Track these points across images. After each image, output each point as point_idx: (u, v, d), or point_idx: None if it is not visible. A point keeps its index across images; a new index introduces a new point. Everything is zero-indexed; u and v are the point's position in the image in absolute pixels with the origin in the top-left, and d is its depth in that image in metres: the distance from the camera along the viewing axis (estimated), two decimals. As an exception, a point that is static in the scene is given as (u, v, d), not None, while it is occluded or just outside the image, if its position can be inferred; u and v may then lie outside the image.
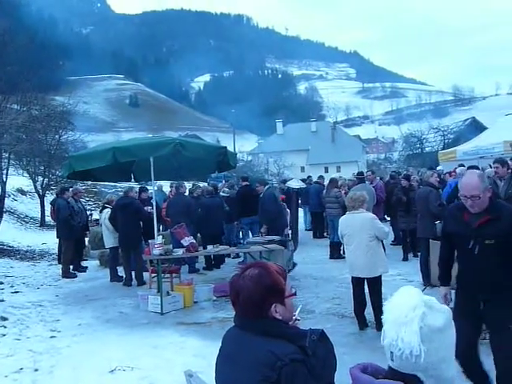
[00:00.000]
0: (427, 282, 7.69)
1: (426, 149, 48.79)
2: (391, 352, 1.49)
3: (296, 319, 2.06)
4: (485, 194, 3.41)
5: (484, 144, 14.91)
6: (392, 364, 1.51)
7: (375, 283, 6.14)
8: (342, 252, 10.40)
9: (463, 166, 11.14)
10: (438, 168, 16.59)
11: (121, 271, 10.07)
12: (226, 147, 8.87)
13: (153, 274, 9.02)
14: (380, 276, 6.38)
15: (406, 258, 10.56)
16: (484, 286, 3.48)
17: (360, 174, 12.56)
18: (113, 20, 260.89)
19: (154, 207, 9.16)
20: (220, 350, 2.04)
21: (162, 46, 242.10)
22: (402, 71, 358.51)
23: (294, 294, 1.98)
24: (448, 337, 1.51)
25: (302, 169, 65.45)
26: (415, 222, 9.88)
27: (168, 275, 8.87)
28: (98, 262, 12.24)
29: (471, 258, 3.48)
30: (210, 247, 8.41)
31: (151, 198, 10.67)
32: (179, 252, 8.02)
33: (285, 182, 15.41)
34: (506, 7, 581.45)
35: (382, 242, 6.47)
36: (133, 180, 10.93)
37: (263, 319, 1.89)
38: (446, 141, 45.73)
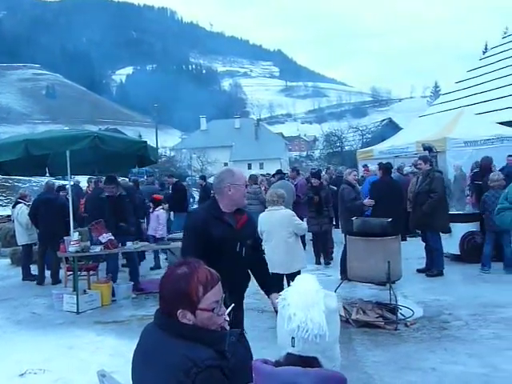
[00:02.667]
0: (344, 276, 7.92)
1: (346, 147, 50.44)
2: (293, 338, 1.52)
3: (225, 320, 2.02)
4: None
5: (399, 143, 15.58)
6: (292, 350, 1.53)
7: (294, 279, 6.25)
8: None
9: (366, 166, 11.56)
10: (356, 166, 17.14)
11: (34, 269, 9.62)
12: (146, 142, 8.68)
13: (68, 272, 8.69)
14: (299, 272, 6.55)
15: (318, 262, 10.07)
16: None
17: (279, 171, 12.72)
18: (28, 5, 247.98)
19: (70, 203, 8.81)
20: (137, 346, 1.97)
21: (82, 35, 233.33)
22: (324, 71, 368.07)
23: (212, 310, 1.86)
24: (338, 318, 1.59)
25: (226, 165, 65.28)
26: (327, 224, 9.98)
27: (85, 273, 8.58)
28: (9, 260, 11.62)
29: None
30: (129, 244, 8.21)
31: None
32: (97, 249, 7.77)
33: (204, 178, 15.28)
34: (421, 12, 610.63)
35: (301, 237, 6.61)
36: (47, 174, 10.44)
37: (179, 321, 1.83)
38: (365, 140, 47.48)
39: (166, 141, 73.31)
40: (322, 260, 10.15)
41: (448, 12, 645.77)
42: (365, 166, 14.86)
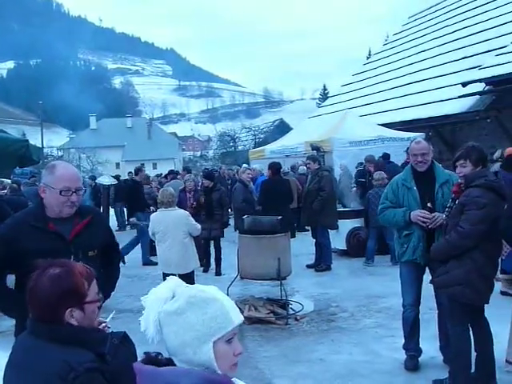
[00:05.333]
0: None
1: (239, 147, 51.12)
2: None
3: (106, 326, 1.96)
4: None
5: (289, 144, 16.03)
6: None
7: (188, 278, 6.21)
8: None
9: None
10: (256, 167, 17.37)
11: None
12: (27, 140, 8.17)
13: None
14: (193, 271, 6.57)
15: (206, 270, 9.24)
16: None
17: (172, 171, 12.61)
18: None
19: None
20: (9, 359, 1.85)
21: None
22: (218, 72, 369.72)
23: (98, 301, 1.87)
24: (190, 321, 1.51)
25: (118, 165, 63.85)
26: (217, 229, 9.33)
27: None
28: None
29: None
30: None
31: None
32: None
33: (94, 178, 14.75)
34: (311, 18, 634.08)
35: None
36: None
37: (58, 325, 1.76)
38: (257, 140, 48.40)
39: (52, 140, 69.82)
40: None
41: (337, 19, 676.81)
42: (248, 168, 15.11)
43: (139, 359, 1.62)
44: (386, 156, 11.37)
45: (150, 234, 6.53)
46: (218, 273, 9.13)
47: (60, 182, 2.72)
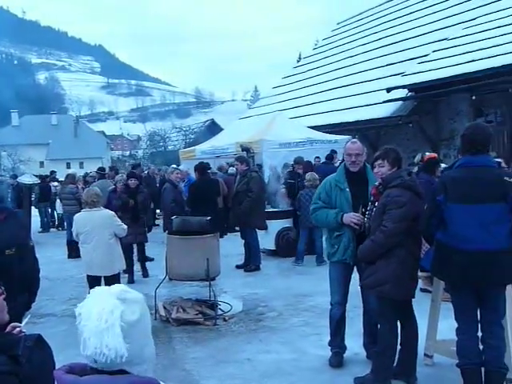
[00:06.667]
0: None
1: (169, 147, 50.58)
2: (95, 360, 1.45)
3: (21, 331, 1.87)
4: None
5: (220, 144, 16.06)
6: (95, 365, 1.47)
7: (113, 280, 6.07)
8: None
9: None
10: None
11: None
12: None
13: None
14: (119, 273, 6.44)
15: (131, 281, 8.36)
16: None
17: (101, 169, 12.27)
18: None
19: None
20: None
21: None
22: (148, 70, 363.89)
23: (2, 293, 1.80)
24: (145, 323, 1.53)
25: (42, 164, 61.33)
26: (143, 234, 8.87)
27: None
28: None
29: None
30: None
31: None
32: None
33: (15, 177, 14.10)
34: (242, 19, 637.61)
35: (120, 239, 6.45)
36: None
37: None
38: (188, 140, 48.04)
39: (-31, 136, 65.99)
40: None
41: (269, 21, 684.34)
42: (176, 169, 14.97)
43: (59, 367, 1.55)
44: (329, 157, 11.63)
45: (74, 235, 6.32)
46: (145, 275, 8.90)
47: None
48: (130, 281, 8.37)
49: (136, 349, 1.46)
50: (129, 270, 8.29)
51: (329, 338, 4.86)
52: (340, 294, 4.70)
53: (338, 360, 4.75)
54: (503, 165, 4.56)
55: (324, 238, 4.96)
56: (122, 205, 8.54)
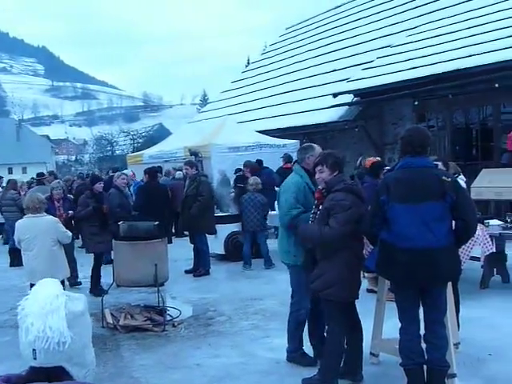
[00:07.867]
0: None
1: (117, 152, 49.72)
2: (34, 349, 1.42)
3: None
4: None
5: (168, 148, 15.91)
6: (35, 363, 1.44)
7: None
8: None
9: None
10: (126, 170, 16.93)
11: None
12: None
13: None
14: (63, 281, 6.28)
15: (98, 294, 7.21)
16: None
17: (40, 174, 11.90)
18: None
19: None
20: None
21: None
22: (94, 73, 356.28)
23: None
24: (87, 322, 1.54)
25: (-19, 169, 58.92)
26: (110, 242, 7.81)
27: None
28: None
29: None
30: None
31: None
32: None
33: None
34: (190, 23, 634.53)
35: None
36: None
37: None
38: (136, 144, 47.35)
39: None
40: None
41: (218, 24, 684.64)
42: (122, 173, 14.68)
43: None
44: (259, 162, 11.71)
45: (16, 242, 6.12)
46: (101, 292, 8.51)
47: None
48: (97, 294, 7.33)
49: (78, 344, 1.45)
50: (98, 280, 7.91)
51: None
52: (308, 299, 4.59)
53: (309, 359, 4.73)
54: (440, 166, 4.70)
55: (279, 240, 4.88)
56: (95, 211, 7.80)
